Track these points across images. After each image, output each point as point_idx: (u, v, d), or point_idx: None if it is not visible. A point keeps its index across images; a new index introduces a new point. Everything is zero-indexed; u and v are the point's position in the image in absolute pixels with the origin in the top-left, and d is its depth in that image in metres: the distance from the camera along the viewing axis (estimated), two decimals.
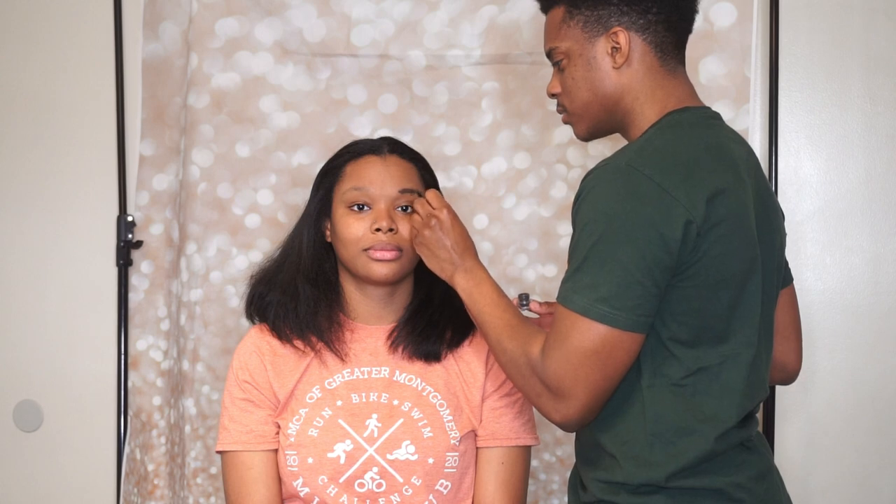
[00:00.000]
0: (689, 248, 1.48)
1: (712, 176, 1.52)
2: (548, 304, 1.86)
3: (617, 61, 1.62)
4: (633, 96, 1.63)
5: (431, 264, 1.80)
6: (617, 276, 1.46)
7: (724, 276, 1.53)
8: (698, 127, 1.60)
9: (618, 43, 1.61)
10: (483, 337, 1.69)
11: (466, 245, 1.79)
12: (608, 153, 2.39)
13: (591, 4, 1.62)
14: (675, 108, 1.62)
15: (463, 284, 1.74)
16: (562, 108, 1.70)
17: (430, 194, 1.83)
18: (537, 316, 1.87)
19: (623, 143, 1.64)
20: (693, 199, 1.48)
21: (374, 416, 1.87)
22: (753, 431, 1.61)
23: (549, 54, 1.69)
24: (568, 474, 2.46)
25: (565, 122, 1.72)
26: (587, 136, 1.70)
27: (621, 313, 1.47)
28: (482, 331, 1.67)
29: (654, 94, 1.62)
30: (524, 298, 1.84)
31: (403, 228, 1.87)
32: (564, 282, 1.52)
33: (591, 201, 1.51)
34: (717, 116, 1.66)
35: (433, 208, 1.80)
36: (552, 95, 1.71)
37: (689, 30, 1.67)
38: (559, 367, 1.50)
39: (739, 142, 1.65)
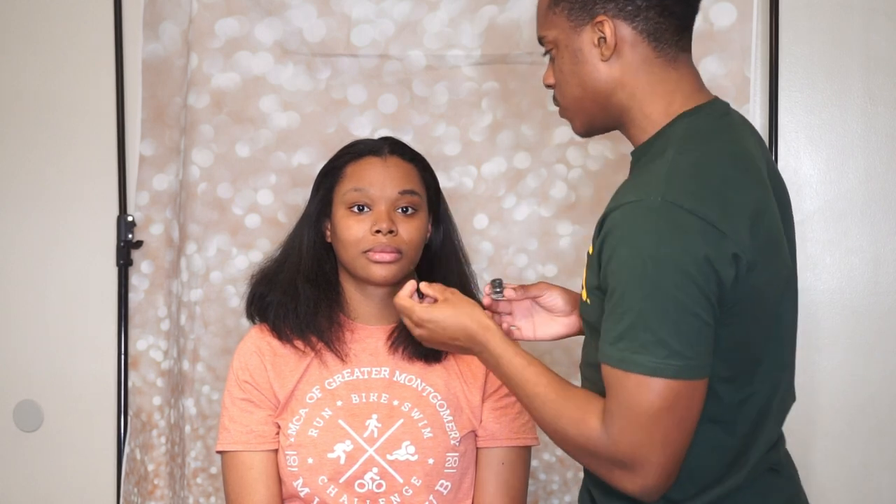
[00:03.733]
0: (737, 283, 1.36)
1: (747, 197, 1.39)
2: (523, 287, 1.74)
3: (604, 53, 1.46)
4: (627, 92, 1.47)
5: (454, 352, 1.71)
6: (685, 324, 1.32)
7: (766, 305, 1.42)
8: (719, 134, 1.46)
9: (603, 33, 1.45)
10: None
11: (462, 328, 1.59)
12: (609, 154, 2.40)
13: None
14: (684, 107, 1.47)
15: (485, 365, 1.60)
16: (557, 102, 1.57)
17: (397, 304, 1.66)
18: (509, 304, 1.75)
19: (624, 140, 1.55)
20: (738, 229, 1.35)
21: (374, 416, 1.87)
22: (782, 451, 1.54)
23: (540, 42, 1.56)
24: (568, 474, 2.47)
25: (562, 117, 1.58)
26: (583, 132, 1.56)
27: (693, 361, 1.33)
28: (524, 409, 1.53)
29: (653, 90, 1.47)
30: (497, 285, 1.72)
31: (403, 230, 1.87)
32: (614, 341, 1.35)
33: (630, 246, 1.35)
34: (728, 111, 1.51)
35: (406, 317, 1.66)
36: (548, 86, 1.57)
37: (691, 12, 1.50)
38: (631, 437, 1.34)
39: (751, 131, 1.53)
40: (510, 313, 1.75)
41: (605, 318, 1.39)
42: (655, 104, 1.47)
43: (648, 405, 1.33)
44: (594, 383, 1.46)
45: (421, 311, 1.62)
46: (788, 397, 1.53)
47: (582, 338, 1.63)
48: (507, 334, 1.64)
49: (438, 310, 1.62)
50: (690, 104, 1.47)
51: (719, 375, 1.39)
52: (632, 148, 1.53)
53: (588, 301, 1.48)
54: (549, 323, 1.75)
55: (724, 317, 1.37)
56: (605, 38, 1.45)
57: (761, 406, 1.45)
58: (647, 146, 1.48)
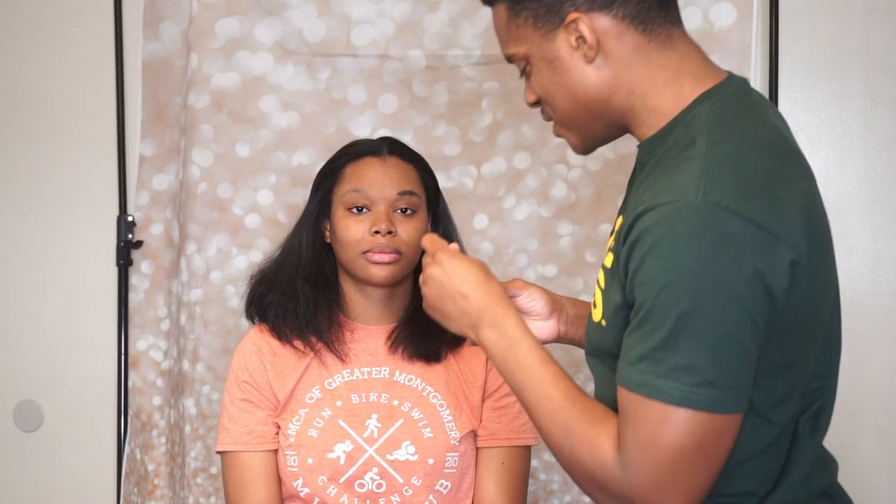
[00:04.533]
0: (792, 292, 1.17)
1: (795, 191, 1.21)
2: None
3: (588, 55, 1.26)
4: (627, 90, 1.28)
5: (451, 328, 1.44)
6: (724, 349, 1.13)
7: (819, 315, 1.24)
8: (748, 118, 1.26)
9: (579, 32, 1.26)
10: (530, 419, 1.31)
11: (485, 290, 1.38)
12: (609, 154, 2.40)
13: None
14: (697, 90, 1.27)
15: (492, 348, 1.34)
16: (547, 116, 1.38)
17: (426, 240, 1.49)
18: None
19: (624, 140, 1.42)
20: (791, 230, 1.17)
21: (374, 416, 1.87)
22: (836, 475, 1.36)
23: (509, 61, 1.37)
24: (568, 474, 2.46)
25: (557, 136, 1.39)
26: (584, 148, 1.37)
27: (730, 393, 1.14)
28: (528, 413, 1.30)
29: (654, 80, 1.27)
30: None
31: (403, 231, 1.87)
32: (635, 361, 1.16)
33: (664, 256, 1.14)
34: (748, 89, 1.31)
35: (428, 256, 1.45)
36: (532, 104, 1.38)
37: None
38: (649, 475, 1.15)
39: (773, 110, 1.34)
40: None
41: (627, 335, 1.20)
42: (662, 95, 1.28)
43: (672, 440, 1.14)
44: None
45: (447, 251, 1.43)
46: (832, 401, 1.34)
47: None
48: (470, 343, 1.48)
49: (464, 261, 1.41)
50: (704, 86, 1.27)
51: (771, 399, 1.22)
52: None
53: (603, 323, 1.28)
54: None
55: (774, 331, 1.18)
56: (583, 38, 1.26)
57: (805, 420, 1.29)
58: (662, 136, 1.28)
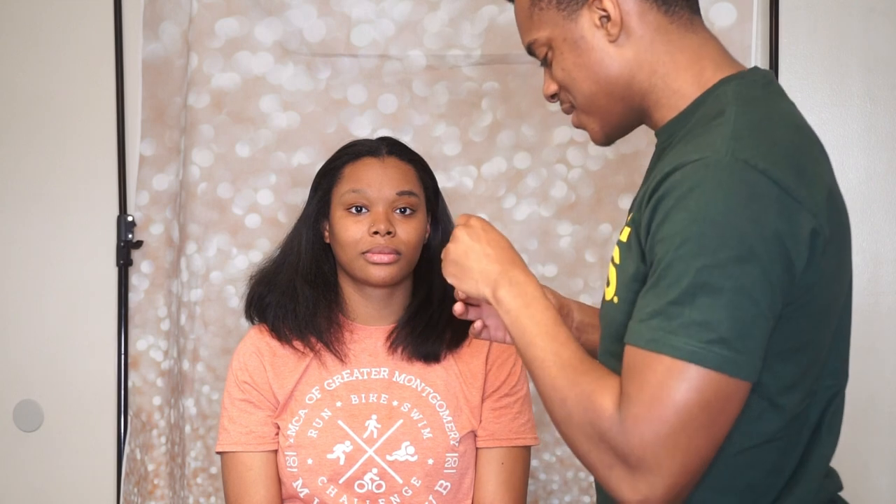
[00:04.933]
0: (811, 266, 1.15)
1: (820, 168, 1.21)
2: None
3: (611, 33, 1.28)
4: (648, 70, 1.28)
5: (466, 286, 1.40)
6: (741, 308, 1.10)
7: (835, 299, 1.22)
8: (775, 102, 1.26)
9: (604, 10, 1.28)
10: (533, 382, 1.28)
11: (510, 254, 1.39)
12: (609, 154, 2.40)
13: None
14: (718, 74, 1.28)
15: (509, 303, 1.32)
16: (569, 106, 1.37)
17: (461, 217, 1.49)
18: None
19: (625, 140, 1.42)
20: (816, 201, 1.16)
21: (374, 416, 1.87)
22: (839, 484, 1.33)
23: (530, 51, 1.38)
24: (568, 474, 2.47)
25: (577, 127, 1.38)
26: (604, 137, 1.37)
27: (743, 357, 1.11)
28: (530, 371, 1.27)
29: (676, 61, 1.28)
30: None
31: (402, 231, 1.87)
32: (647, 318, 1.14)
33: (689, 208, 1.12)
34: (773, 79, 1.31)
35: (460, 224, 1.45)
36: (551, 98, 1.39)
37: None
38: (647, 431, 1.11)
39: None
40: (479, 305, 1.54)
41: (642, 295, 1.17)
42: (683, 76, 1.28)
43: (678, 397, 1.10)
44: None
45: (481, 219, 1.44)
46: (842, 406, 1.31)
47: None
48: (475, 332, 1.52)
49: (496, 230, 1.42)
50: (724, 71, 1.29)
51: (781, 383, 1.19)
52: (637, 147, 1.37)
53: (615, 300, 1.27)
54: None
55: (790, 309, 1.16)
56: (608, 16, 1.28)
57: (819, 416, 1.25)
58: (684, 118, 1.28)
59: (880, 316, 2.40)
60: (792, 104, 1.30)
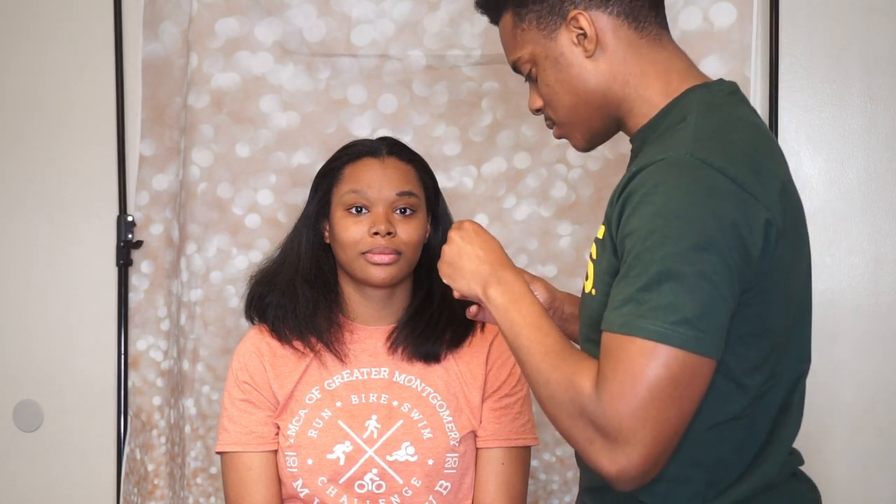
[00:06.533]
0: (766, 254, 1.27)
1: (775, 166, 1.33)
2: None
3: (588, 49, 1.40)
4: (622, 82, 1.41)
5: (459, 285, 1.52)
6: (703, 291, 1.21)
7: (792, 288, 1.34)
8: (736, 108, 1.39)
9: (581, 28, 1.40)
10: (520, 368, 1.39)
11: (500, 255, 1.51)
12: (609, 154, 2.40)
13: None
14: (684, 84, 1.41)
15: (497, 300, 1.44)
16: (550, 122, 1.50)
17: (455, 224, 1.60)
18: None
19: (625, 139, 1.51)
20: (769, 195, 1.28)
21: (374, 417, 1.87)
22: (801, 458, 1.46)
23: (515, 68, 1.50)
24: (568, 474, 2.46)
25: (558, 137, 1.52)
26: (586, 144, 1.49)
27: (706, 336, 1.22)
28: (518, 359, 1.38)
29: (646, 72, 1.41)
30: None
31: (402, 231, 1.87)
32: (621, 304, 1.24)
33: (654, 203, 1.25)
34: (736, 89, 1.44)
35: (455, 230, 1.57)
36: (536, 111, 1.51)
37: None
38: (622, 405, 1.21)
39: (758, 115, 1.47)
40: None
41: (615, 285, 1.28)
42: (652, 86, 1.41)
43: (650, 373, 1.20)
44: None
45: (474, 223, 1.56)
46: (804, 389, 1.44)
47: None
48: (472, 314, 1.61)
49: (488, 233, 1.54)
50: (690, 82, 1.41)
51: (743, 366, 1.31)
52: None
53: (593, 292, 1.38)
54: None
55: (748, 295, 1.27)
56: (584, 34, 1.40)
57: (783, 398, 1.37)
58: (654, 123, 1.40)
59: (880, 316, 2.40)
60: (753, 110, 1.43)
